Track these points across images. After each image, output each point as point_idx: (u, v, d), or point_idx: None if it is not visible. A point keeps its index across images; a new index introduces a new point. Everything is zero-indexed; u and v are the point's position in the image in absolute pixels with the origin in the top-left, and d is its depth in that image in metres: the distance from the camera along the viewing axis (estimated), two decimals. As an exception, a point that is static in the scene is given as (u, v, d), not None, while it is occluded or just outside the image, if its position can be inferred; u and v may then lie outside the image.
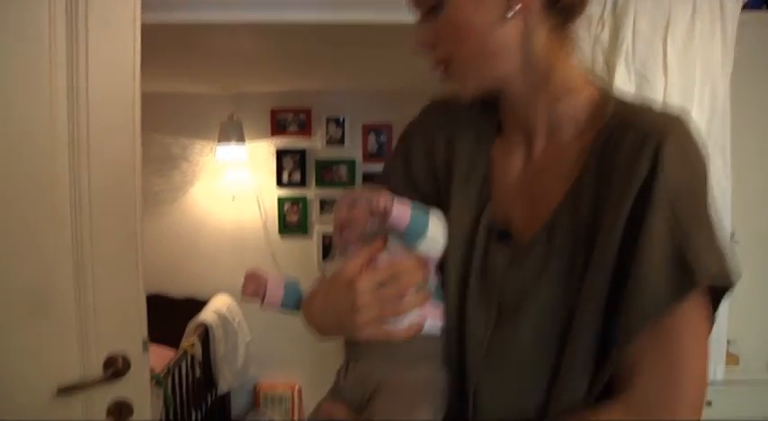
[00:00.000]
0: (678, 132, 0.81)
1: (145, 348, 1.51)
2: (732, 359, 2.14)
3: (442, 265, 0.96)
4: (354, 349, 0.96)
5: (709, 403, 2.20)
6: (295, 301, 0.99)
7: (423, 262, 0.93)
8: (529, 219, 0.91)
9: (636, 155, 0.79)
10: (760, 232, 2.17)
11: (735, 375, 2.16)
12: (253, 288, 0.98)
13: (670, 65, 1.54)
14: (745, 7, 1.71)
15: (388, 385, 0.91)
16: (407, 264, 0.93)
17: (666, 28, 1.56)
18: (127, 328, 1.50)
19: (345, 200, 0.99)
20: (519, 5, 0.83)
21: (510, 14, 0.84)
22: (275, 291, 0.97)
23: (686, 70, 1.55)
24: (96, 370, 1.45)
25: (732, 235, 2.04)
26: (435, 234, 0.93)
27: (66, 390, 1.40)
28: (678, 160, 0.78)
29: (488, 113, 1.00)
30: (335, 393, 0.98)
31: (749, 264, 2.13)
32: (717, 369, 1.75)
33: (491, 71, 0.89)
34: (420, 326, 0.92)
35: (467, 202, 0.97)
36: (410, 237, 0.92)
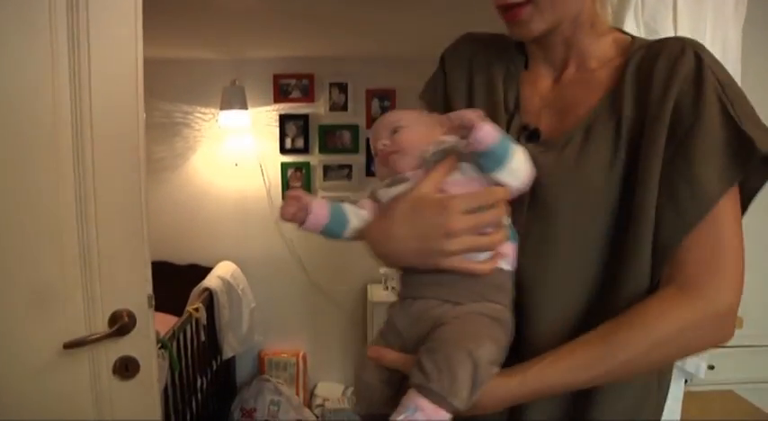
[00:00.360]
0: (678, 40, 0.91)
1: (150, 304, 1.51)
2: (737, 322, 2.14)
3: None
4: (414, 284, 0.92)
5: (712, 367, 2.20)
6: (340, 227, 0.95)
7: None
8: (557, 127, 0.97)
9: (677, 60, 0.86)
10: (765, 193, 2.15)
11: (738, 340, 2.16)
12: (293, 210, 0.94)
13: (680, 17, 1.50)
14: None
15: (455, 315, 0.86)
16: (499, 191, 0.88)
17: (677, -22, 1.52)
18: (132, 285, 1.50)
19: (385, 124, 0.96)
20: None
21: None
22: (319, 214, 0.94)
23: (697, 22, 1.51)
24: (102, 326, 1.45)
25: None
26: (518, 164, 0.87)
27: (72, 345, 1.40)
28: (717, 63, 0.87)
29: (516, 52, 1.08)
30: (385, 335, 0.94)
31: (754, 228, 2.14)
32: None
33: (566, 11, 0.95)
34: (495, 263, 0.88)
35: (498, 114, 1.01)
36: (491, 161, 0.86)
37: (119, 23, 1.42)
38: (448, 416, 0.78)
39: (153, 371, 1.54)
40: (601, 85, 0.95)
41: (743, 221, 0.92)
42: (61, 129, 1.39)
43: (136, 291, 1.50)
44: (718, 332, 0.88)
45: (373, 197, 0.98)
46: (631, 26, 1.49)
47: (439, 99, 1.11)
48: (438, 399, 0.77)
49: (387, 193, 0.94)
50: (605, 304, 0.87)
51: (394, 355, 0.90)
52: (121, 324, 1.45)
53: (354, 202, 1.00)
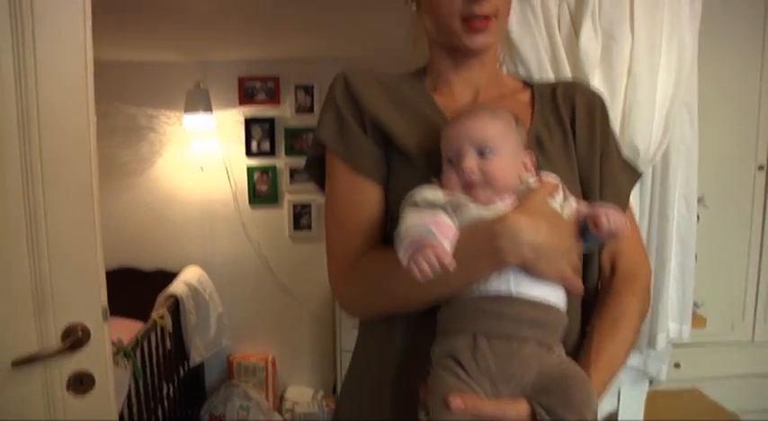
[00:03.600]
0: (583, 84, 1.26)
1: (105, 317, 1.48)
2: (700, 321, 2.17)
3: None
4: (504, 321, 0.87)
5: (678, 365, 2.24)
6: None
7: None
8: None
9: (592, 99, 1.15)
10: (727, 195, 2.18)
11: (702, 337, 2.19)
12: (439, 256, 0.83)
13: (637, 22, 1.51)
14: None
15: (570, 373, 0.87)
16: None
17: (634, -16, 1.53)
18: (86, 298, 1.46)
19: (473, 138, 0.92)
20: None
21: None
22: (449, 232, 0.88)
23: (653, 28, 1.52)
24: (55, 341, 1.41)
25: (700, 199, 2.05)
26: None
27: (23, 362, 1.36)
28: (599, 95, 1.17)
29: (410, 78, 1.15)
30: (463, 380, 0.86)
31: (716, 227, 2.17)
32: (683, 329, 1.76)
33: (502, 32, 1.13)
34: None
35: (432, 127, 1.03)
36: (595, 240, 0.97)
37: (66, 23, 1.38)
38: None
39: (109, 385, 1.50)
40: (523, 109, 1.10)
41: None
42: (7, 136, 1.35)
43: (90, 304, 1.46)
44: (650, 296, 1.13)
45: (450, 212, 0.92)
46: (589, 32, 1.50)
47: (352, 123, 1.05)
48: None
49: (478, 212, 0.91)
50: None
51: (492, 405, 0.85)
52: (75, 338, 1.41)
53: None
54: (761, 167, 2.21)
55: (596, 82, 1.50)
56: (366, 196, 1.04)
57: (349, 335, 3.81)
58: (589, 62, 1.49)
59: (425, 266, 0.82)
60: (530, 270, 0.88)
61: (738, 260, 2.27)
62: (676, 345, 1.95)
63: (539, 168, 1.00)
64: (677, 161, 1.64)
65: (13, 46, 1.33)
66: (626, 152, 1.28)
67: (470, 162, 0.91)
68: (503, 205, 0.92)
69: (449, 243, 0.86)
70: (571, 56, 1.50)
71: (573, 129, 1.10)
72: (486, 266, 0.89)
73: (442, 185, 0.94)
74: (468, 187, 0.91)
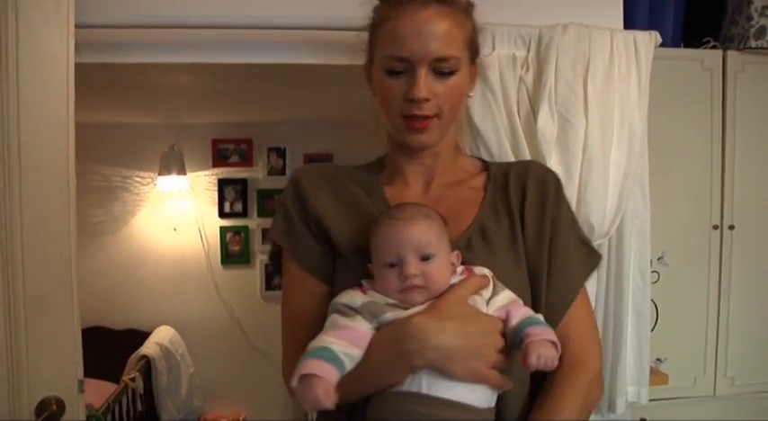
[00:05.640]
0: (538, 164, 1.26)
1: (81, 390, 1.48)
2: (662, 378, 2.22)
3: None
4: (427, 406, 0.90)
5: (643, 420, 2.28)
6: (342, 373, 0.91)
7: None
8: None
9: (545, 181, 1.14)
10: (685, 253, 2.28)
11: (665, 393, 2.25)
12: (319, 396, 0.86)
13: (590, 107, 1.61)
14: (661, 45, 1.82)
15: None
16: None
17: (587, 71, 1.63)
18: (61, 369, 1.46)
19: (415, 243, 0.95)
20: (474, 84, 1.16)
21: (472, 93, 1.17)
22: (332, 376, 0.89)
23: (605, 111, 1.62)
24: (28, 415, 1.42)
25: (660, 258, 2.15)
26: None
27: (-5, 437, 1.37)
28: (553, 175, 1.18)
29: (365, 172, 1.20)
30: None
31: (676, 284, 2.26)
32: (641, 392, 1.82)
33: (451, 127, 1.13)
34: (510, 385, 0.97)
35: (360, 227, 1.07)
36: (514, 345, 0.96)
37: (49, 90, 1.45)
38: None
39: (82, 456, 1.50)
40: (474, 196, 1.14)
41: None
42: None
43: (65, 376, 1.47)
44: (600, 387, 1.09)
45: (368, 317, 0.96)
46: (546, 114, 1.60)
47: (298, 222, 1.12)
48: None
49: (394, 315, 0.94)
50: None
51: None
52: (49, 413, 1.41)
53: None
54: (715, 227, 2.30)
55: (553, 162, 1.59)
56: (311, 292, 1.10)
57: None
58: (546, 143, 1.59)
59: (306, 406, 0.87)
60: (440, 371, 0.90)
61: (698, 315, 2.34)
62: (636, 407, 2.01)
63: (472, 262, 1.02)
64: (630, 233, 1.73)
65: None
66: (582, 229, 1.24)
67: (414, 268, 0.95)
68: (417, 307, 0.94)
69: (350, 360, 0.91)
70: (529, 137, 1.60)
71: (522, 213, 1.10)
72: (397, 369, 0.92)
73: (372, 287, 0.99)
74: (407, 290, 0.95)
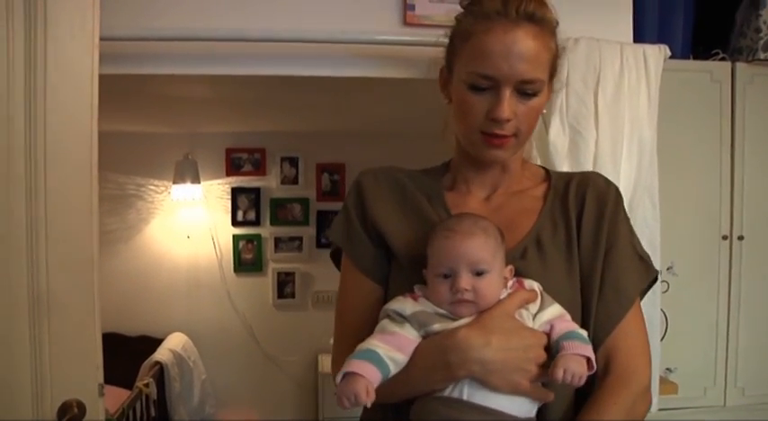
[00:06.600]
0: (598, 175, 1.19)
1: (101, 393, 1.52)
2: (672, 387, 2.22)
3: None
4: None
5: (653, 431, 2.29)
6: (385, 378, 0.95)
7: None
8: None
9: (605, 194, 1.12)
10: (695, 263, 2.29)
11: (675, 403, 2.26)
12: (358, 393, 0.90)
13: (601, 119, 1.64)
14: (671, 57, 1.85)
15: None
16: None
17: (597, 83, 1.67)
18: (83, 373, 1.50)
19: (470, 258, 0.97)
20: (549, 100, 1.13)
21: (545, 109, 1.13)
22: (373, 378, 0.93)
23: (616, 123, 1.65)
24: (50, 416, 1.45)
25: (670, 268, 2.17)
26: None
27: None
28: (613, 187, 1.15)
29: (428, 177, 1.20)
30: None
31: (686, 294, 2.27)
32: (652, 401, 1.83)
33: (524, 146, 1.12)
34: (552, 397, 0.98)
35: (419, 234, 1.08)
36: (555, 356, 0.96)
37: (75, 102, 1.50)
38: None
39: (101, 458, 1.53)
40: (533, 205, 1.13)
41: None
42: (16, 208, 1.43)
43: (86, 380, 1.50)
44: (647, 401, 1.06)
45: (416, 325, 0.98)
46: (557, 126, 1.63)
47: (357, 225, 1.15)
48: None
49: (441, 326, 0.97)
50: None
51: None
52: (71, 415, 1.45)
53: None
54: (725, 237, 2.32)
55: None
56: (365, 292, 1.13)
57: (331, 403, 3.82)
58: (558, 154, 1.62)
59: (345, 401, 0.91)
60: (481, 383, 0.93)
61: (708, 325, 2.35)
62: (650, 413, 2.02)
63: (526, 272, 1.04)
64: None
65: (25, 127, 1.45)
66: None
67: (466, 282, 0.96)
68: (464, 319, 0.97)
69: (394, 364, 0.95)
70: (541, 148, 1.64)
71: (579, 225, 1.09)
72: (439, 377, 0.95)
73: (424, 294, 1.01)
74: (457, 304, 0.97)
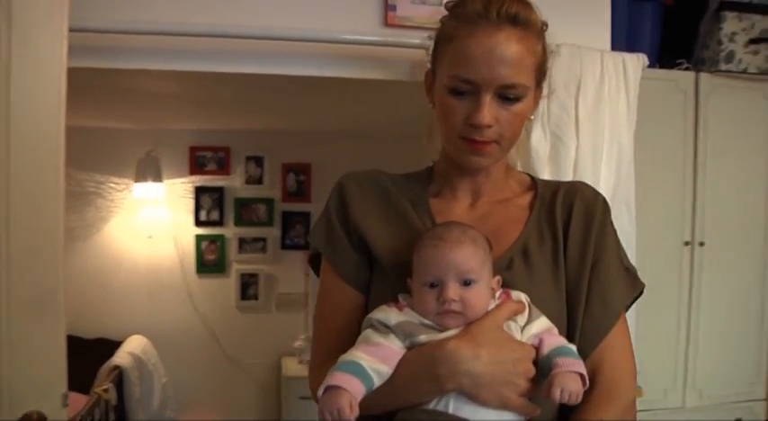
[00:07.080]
0: (586, 186, 1.16)
1: (64, 404, 1.46)
2: (637, 391, 2.27)
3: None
4: None
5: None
6: (369, 390, 0.92)
7: None
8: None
9: (593, 205, 1.10)
10: (658, 268, 2.34)
11: (641, 405, 2.30)
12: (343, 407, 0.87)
13: (582, 126, 1.66)
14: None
15: None
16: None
17: (578, 90, 1.68)
18: (45, 382, 1.45)
19: (458, 267, 0.95)
20: (537, 106, 1.11)
21: (533, 115, 1.11)
22: (357, 391, 0.90)
23: (596, 130, 1.67)
24: None
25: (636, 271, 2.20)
26: None
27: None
28: (601, 198, 1.13)
29: (414, 182, 1.17)
30: None
31: (649, 299, 2.31)
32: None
33: (507, 152, 1.09)
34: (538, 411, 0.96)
35: (402, 240, 1.07)
36: (543, 374, 0.95)
37: (43, 94, 1.46)
38: None
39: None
40: (520, 215, 1.11)
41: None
42: None
43: (49, 390, 1.45)
44: (633, 414, 1.06)
45: (401, 336, 0.96)
46: (539, 133, 1.64)
47: (339, 229, 1.12)
48: None
49: (428, 337, 0.95)
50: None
51: None
52: (31, 429, 1.38)
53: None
54: (687, 243, 2.37)
55: (544, 178, 1.64)
56: (345, 299, 1.09)
57: (293, 406, 3.81)
58: (539, 160, 1.63)
59: (327, 415, 0.88)
60: (469, 397, 0.91)
61: (669, 329, 2.40)
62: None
63: (512, 283, 1.02)
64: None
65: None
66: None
67: (454, 292, 0.94)
68: (451, 331, 0.94)
69: (379, 376, 0.92)
70: (522, 154, 1.64)
71: (566, 236, 1.07)
72: (426, 390, 0.92)
73: (409, 303, 0.99)
74: (444, 314, 0.95)
